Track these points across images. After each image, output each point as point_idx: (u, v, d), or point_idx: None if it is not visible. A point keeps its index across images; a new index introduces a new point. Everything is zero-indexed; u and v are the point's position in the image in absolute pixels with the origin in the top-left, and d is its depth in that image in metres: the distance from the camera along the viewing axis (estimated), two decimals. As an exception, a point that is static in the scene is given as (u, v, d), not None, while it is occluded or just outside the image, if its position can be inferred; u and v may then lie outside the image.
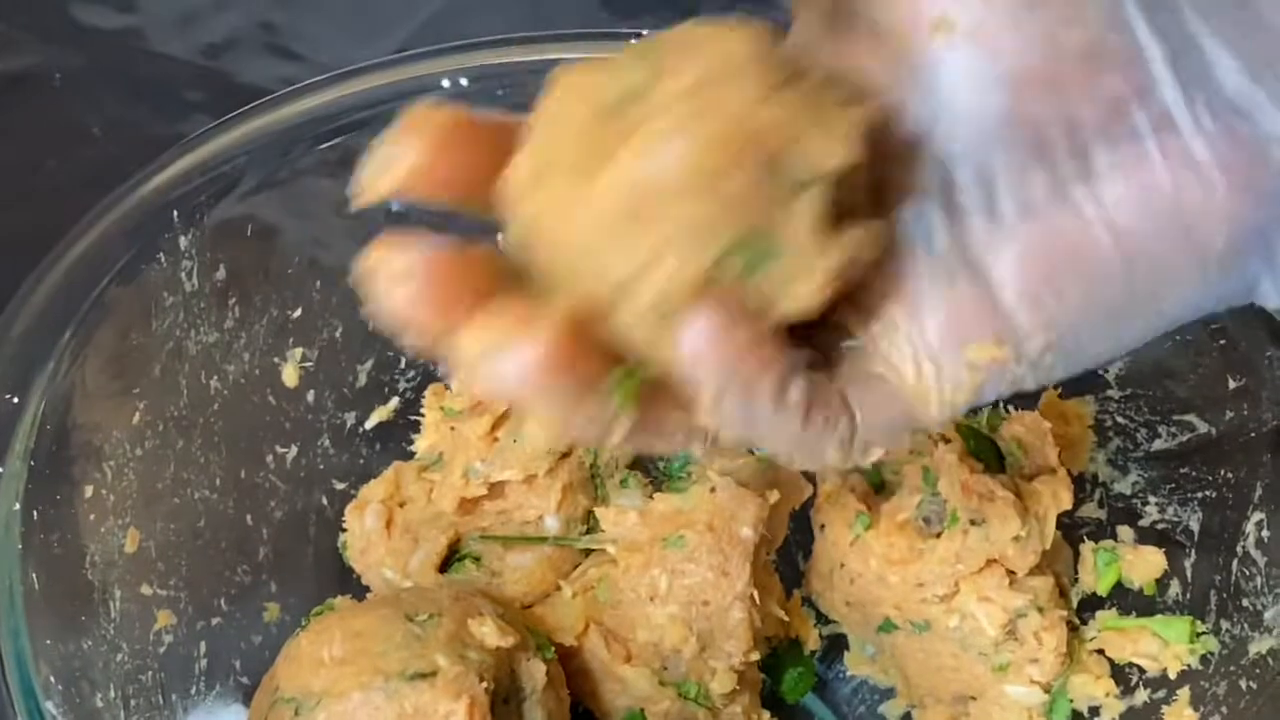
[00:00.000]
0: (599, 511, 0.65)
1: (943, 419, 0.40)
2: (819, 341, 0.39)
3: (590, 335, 0.36)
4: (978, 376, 0.39)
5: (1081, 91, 0.37)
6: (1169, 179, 0.38)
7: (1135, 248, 0.38)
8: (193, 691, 0.62)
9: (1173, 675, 0.63)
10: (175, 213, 0.61)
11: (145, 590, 0.60)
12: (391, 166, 0.38)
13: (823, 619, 0.69)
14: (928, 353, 0.39)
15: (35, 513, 0.55)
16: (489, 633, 0.59)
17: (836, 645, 0.70)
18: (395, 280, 0.36)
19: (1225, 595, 0.62)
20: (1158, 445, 0.65)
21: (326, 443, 0.69)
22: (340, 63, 0.89)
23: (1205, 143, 0.38)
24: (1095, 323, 0.39)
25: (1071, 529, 0.67)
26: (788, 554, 0.69)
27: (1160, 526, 0.65)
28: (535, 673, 0.60)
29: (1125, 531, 0.67)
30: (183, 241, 0.62)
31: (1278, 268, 0.40)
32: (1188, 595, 0.64)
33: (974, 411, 0.66)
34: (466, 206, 0.39)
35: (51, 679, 0.52)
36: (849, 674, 0.70)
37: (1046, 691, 0.64)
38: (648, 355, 0.37)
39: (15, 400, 0.56)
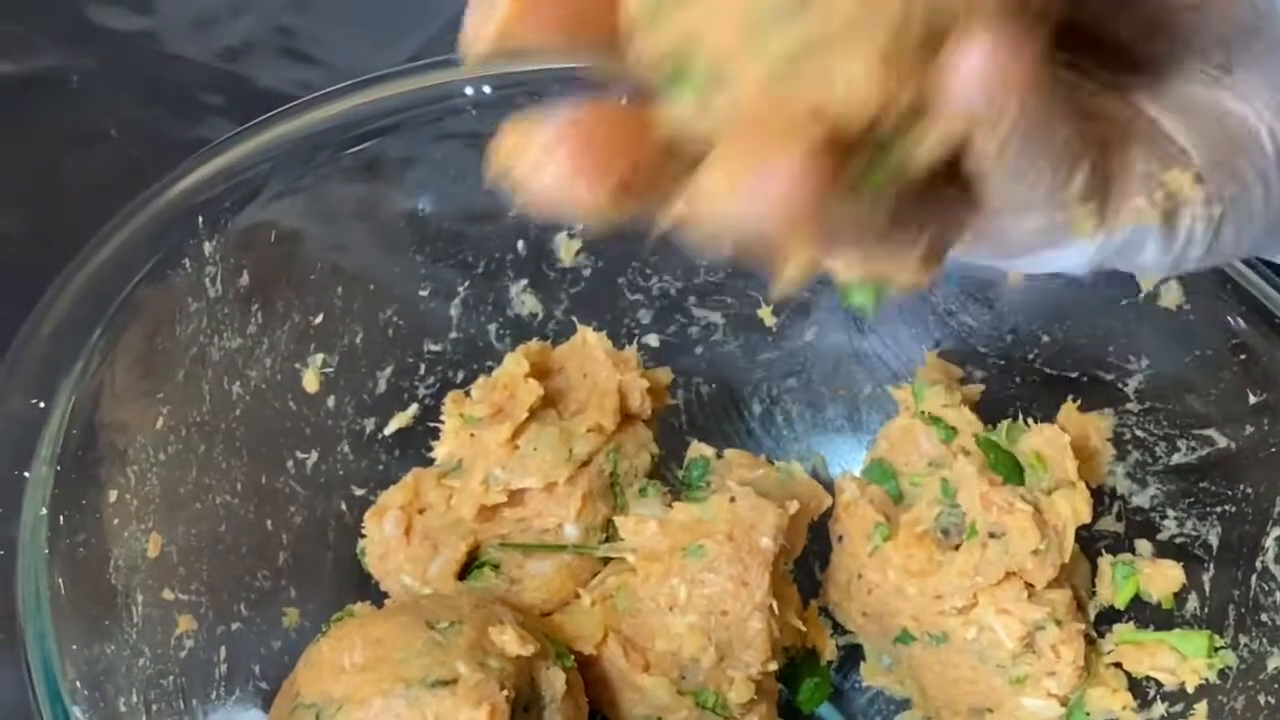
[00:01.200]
0: (618, 520, 0.65)
1: (1127, 220, 0.39)
2: None
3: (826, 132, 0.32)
4: (1168, 201, 0.39)
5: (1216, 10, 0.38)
6: None
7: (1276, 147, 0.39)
8: (213, 696, 0.62)
9: (1190, 689, 0.63)
10: (200, 218, 0.61)
11: (167, 595, 0.60)
12: (494, 12, 0.33)
13: (839, 629, 0.70)
14: (1130, 158, 0.38)
15: (62, 517, 0.55)
16: (509, 641, 0.59)
17: (852, 656, 0.70)
18: (544, 157, 0.32)
19: (1244, 610, 0.62)
20: (1177, 459, 0.66)
21: (346, 449, 0.69)
22: (357, 67, 0.89)
23: None
24: (1241, 210, 0.39)
25: (1089, 542, 0.67)
26: (805, 564, 0.69)
27: (1179, 540, 0.66)
28: (555, 681, 0.60)
29: (1144, 545, 0.67)
30: (207, 247, 0.62)
31: None
32: (1206, 609, 0.64)
33: (993, 424, 0.67)
34: (582, 47, 0.35)
35: (77, 683, 0.52)
36: (865, 684, 0.70)
37: (1063, 704, 0.64)
38: (894, 129, 0.32)
39: (42, 405, 0.56)
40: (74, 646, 0.53)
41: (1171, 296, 0.64)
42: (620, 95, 0.34)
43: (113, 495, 0.58)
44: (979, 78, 0.31)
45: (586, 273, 0.71)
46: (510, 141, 0.33)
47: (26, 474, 0.54)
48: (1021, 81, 0.32)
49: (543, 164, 0.32)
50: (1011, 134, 0.34)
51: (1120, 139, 0.39)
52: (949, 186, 0.35)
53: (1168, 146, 0.39)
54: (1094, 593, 0.67)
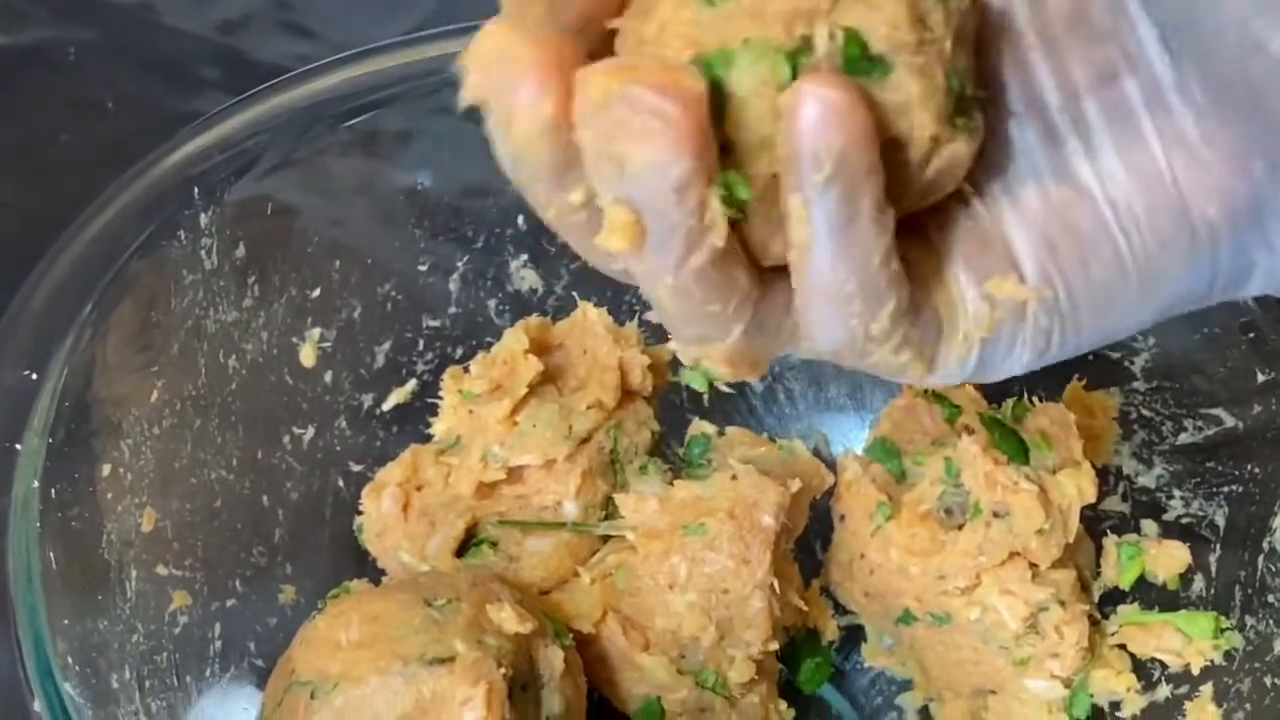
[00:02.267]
0: (618, 498, 0.64)
1: (964, 352, 0.39)
2: None
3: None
4: (997, 314, 0.39)
5: (1073, 53, 0.38)
6: (1161, 154, 0.38)
7: (1130, 221, 0.38)
8: (207, 674, 0.61)
9: (1196, 671, 0.62)
10: (196, 189, 0.61)
11: (161, 570, 0.59)
12: None
13: (840, 609, 0.69)
14: (952, 274, 0.39)
15: (54, 490, 0.54)
16: (507, 619, 0.58)
17: (854, 636, 0.70)
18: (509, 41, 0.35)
19: (1250, 591, 0.62)
20: (1183, 439, 0.65)
21: (343, 424, 0.68)
22: (355, 41, 0.88)
23: (1195, 118, 0.38)
24: (1093, 294, 0.39)
25: (1094, 522, 0.66)
26: (806, 544, 0.69)
27: (1185, 521, 0.65)
28: (553, 660, 0.60)
29: (1149, 525, 0.66)
30: (203, 219, 0.61)
31: (1276, 249, 0.39)
32: (1212, 591, 0.63)
33: (998, 402, 0.66)
34: None
35: (69, 659, 0.52)
36: (866, 665, 0.69)
37: (1067, 686, 0.63)
38: (756, 145, 0.35)
39: (34, 376, 0.55)
40: (65, 622, 0.53)
41: (1179, 274, 0.63)
42: None
43: (106, 469, 0.57)
44: (803, 124, 0.33)
45: (587, 248, 0.70)
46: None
47: (18, 446, 0.54)
48: (846, 139, 0.33)
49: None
50: (825, 193, 0.34)
51: (939, 267, 0.39)
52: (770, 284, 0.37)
53: (992, 254, 0.39)
54: (1098, 573, 0.66)
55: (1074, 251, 0.38)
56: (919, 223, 0.39)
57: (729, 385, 0.74)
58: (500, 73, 0.35)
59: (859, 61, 0.35)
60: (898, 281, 0.37)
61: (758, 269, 0.38)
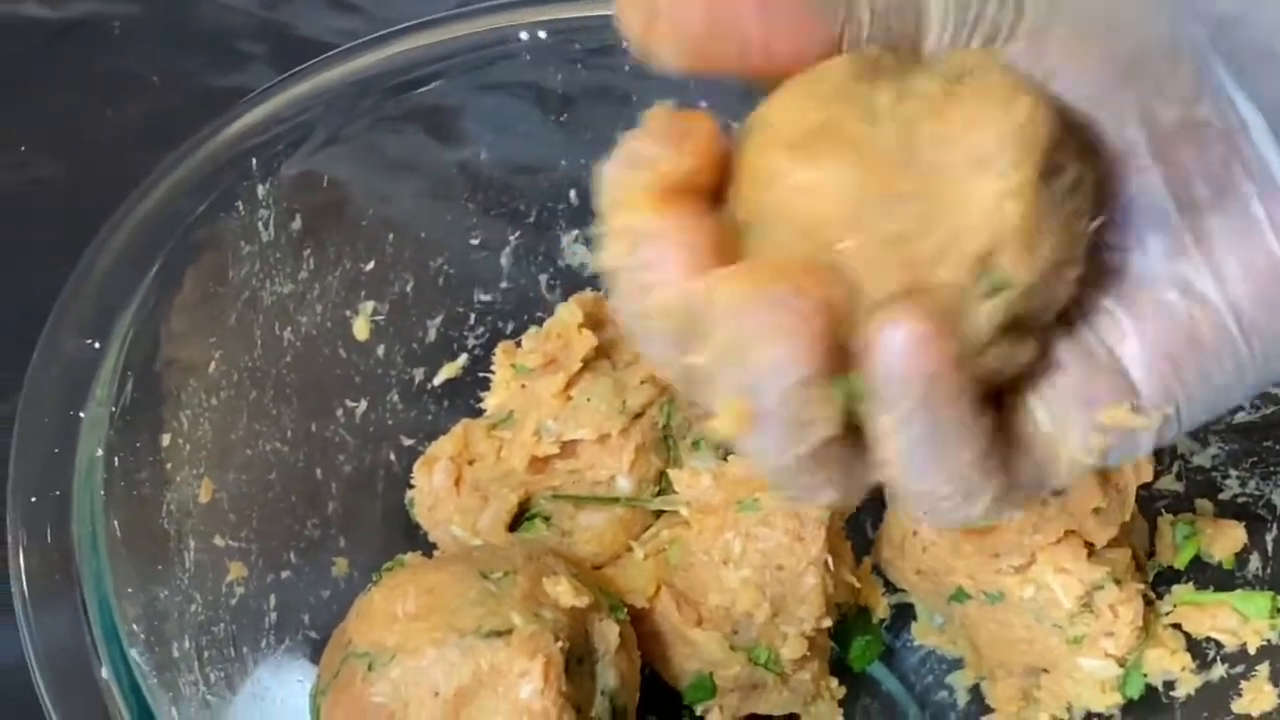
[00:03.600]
0: (672, 473, 0.64)
1: (1068, 479, 0.39)
2: None
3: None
4: (1106, 439, 0.39)
5: (1189, 162, 0.37)
6: (1277, 245, 0.38)
7: (1250, 325, 0.38)
8: (263, 645, 0.61)
9: (1252, 650, 0.62)
10: (254, 160, 0.61)
11: (218, 541, 0.59)
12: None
13: (890, 588, 0.69)
14: (1060, 410, 0.39)
15: (117, 459, 0.54)
16: (564, 592, 0.58)
17: (903, 614, 0.69)
18: None
19: (1307, 571, 0.62)
20: (1240, 418, 0.65)
21: (395, 398, 0.68)
22: (398, 15, 0.88)
23: None
24: (1209, 399, 0.39)
25: (1148, 502, 0.66)
26: (856, 522, 0.68)
27: (1241, 500, 0.65)
28: (609, 634, 0.60)
29: (1204, 505, 0.66)
30: (260, 190, 0.61)
31: None
32: (1268, 570, 0.63)
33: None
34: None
35: (134, 626, 0.52)
36: (916, 643, 0.69)
37: (1121, 665, 0.63)
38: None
39: (97, 345, 0.55)
40: (129, 590, 0.53)
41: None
42: None
43: (166, 439, 0.57)
44: (887, 355, 0.34)
45: (639, 223, 0.70)
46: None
47: (81, 414, 0.54)
48: (927, 372, 0.34)
49: None
50: (909, 422, 0.35)
51: (1045, 405, 0.39)
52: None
53: (1103, 381, 0.38)
54: (1153, 553, 0.66)
55: (1195, 365, 0.38)
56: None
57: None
58: (643, 248, 0.36)
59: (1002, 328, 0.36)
60: (995, 472, 0.37)
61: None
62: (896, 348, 0.34)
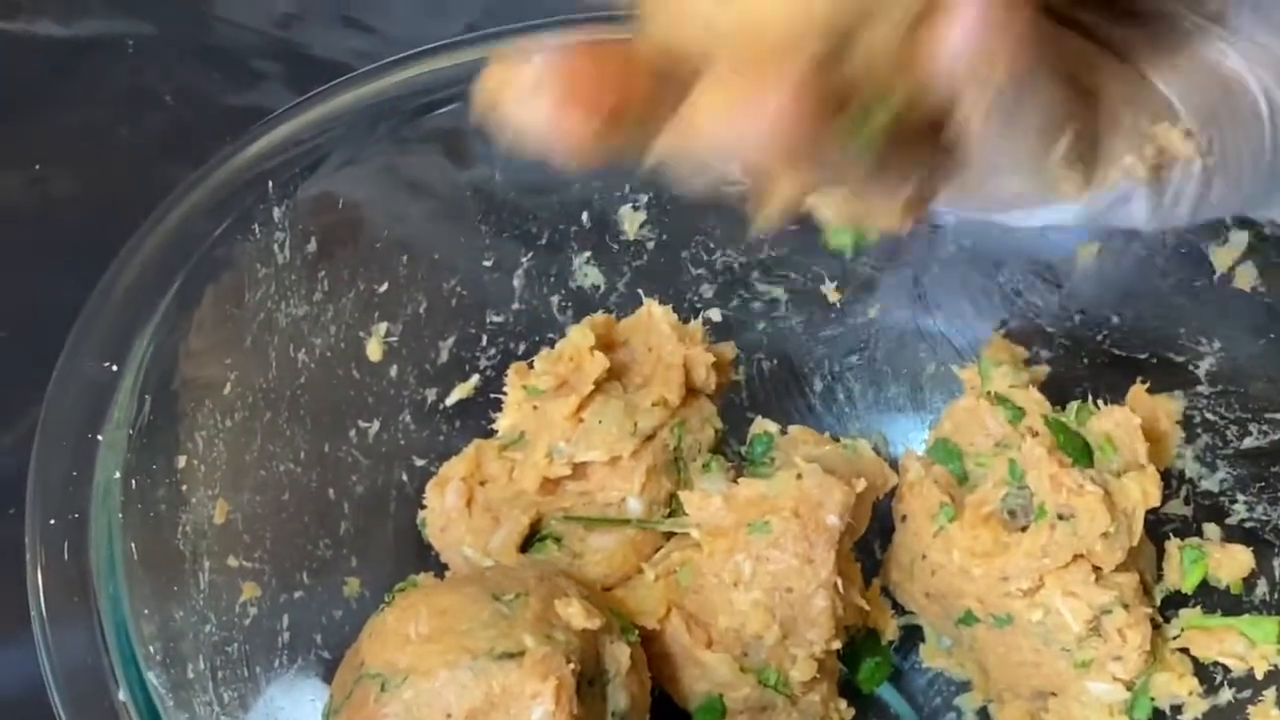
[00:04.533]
0: (682, 495, 0.64)
1: (1115, 180, 0.39)
2: None
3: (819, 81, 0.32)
4: (1152, 155, 0.39)
5: None
6: None
7: (1271, 97, 0.39)
8: (275, 665, 0.61)
9: (1259, 675, 0.62)
10: (270, 184, 0.61)
11: (232, 562, 0.60)
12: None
13: (898, 609, 0.69)
14: (1114, 115, 0.39)
15: (134, 482, 0.54)
16: (575, 614, 0.59)
17: (912, 636, 0.70)
18: (530, 93, 0.33)
19: (1315, 596, 0.62)
20: (1248, 443, 0.65)
21: (408, 418, 0.69)
22: (413, 36, 0.88)
23: None
24: (1242, 154, 0.40)
25: (1156, 525, 0.66)
26: (865, 543, 0.69)
27: (1248, 525, 0.65)
28: (620, 655, 0.60)
29: (1212, 529, 0.66)
30: (276, 213, 0.61)
31: None
32: (1276, 595, 0.63)
33: (1061, 405, 0.66)
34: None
35: (151, 648, 0.52)
36: (925, 666, 0.70)
37: (1129, 689, 0.63)
38: (883, 88, 0.33)
39: (115, 369, 0.55)
40: (146, 612, 0.53)
41: (1246, 278, 0.63)
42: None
43: (182, 461, 0.58)
44: (963, 47, 0.32)
45: (650, 245, 0.70)
46: (497, 76, 0.33)
47: (99, 437, 0.54)
48: (1007, 52, 0.32)
49: (529, 100, 0.33)
50: (995, 103, 0.34)
51: (1109, 95, 0.38)
52: (936, 138, 0.36)
53: (1158, 101, 0.39)
54: (1160, 577, 0.66)
55: (1228, 110, 0.39)
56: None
57: (788, 384, 0.74)
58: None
59: None
60: (1072, 116, 0.37)
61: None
62: (963, 38, 0.32)
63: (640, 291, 0.69)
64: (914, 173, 0.36)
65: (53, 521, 0.52)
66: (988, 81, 0.33)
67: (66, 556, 0.53)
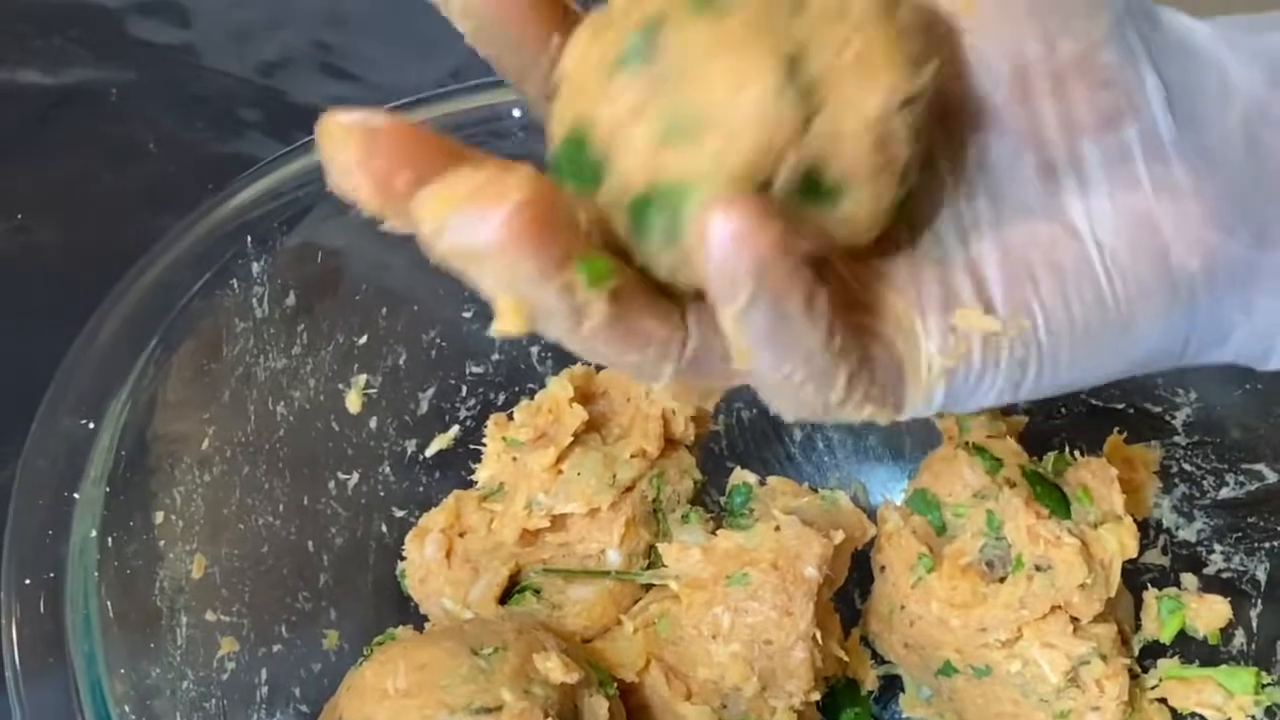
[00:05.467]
0: (661, 547, 0.64)
1: (930, 385, 0.39)
2: None
3: (564, 211, 0.34)
4: (962, 346, 0.39)
5: (1079, 95, 0.38)
6: (1153, 201, 0.38)
7: (1115, 264, 0.39)
8: (254, 719, 0.61)
9: (1236, 726, 0.63)
10: (249, 238, 0.61)
11: (210, 616, 0.60)
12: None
13: (878, 659, 0.69)
14: (918, 310, 0.39)
15: (110, 539, 0.54)
16: (554, 668, 0.59)
17: (891, 686, 0.70)
18: (337, 143, 0.35)
19: (1292, 647, 0.62)
20: (1225, 493, 0.65)
21: (387, 470, 0.69)
22: (393, 83, 0.89)
23: (1189, 173, 0.38)
24: (1073, 333, 0.39)
25: (1134, 575, 0.66)
26: (845, 593, 0.69)
27: (1225, 575, 0.65)
28: (598, 709, 0.60)
29: (1189, 579, 0.66)
30: (255, 267, 0.61)
31: (1254, 317, 0.40)
32: (1253, 646, 0.63)
33: (1039, 455, 0.66)
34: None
35: (125, 707, 0.52)
36: (904, 716, 0.69)
37: (1107, 739, 0.63)
38: (634, 246, 0.35)
39: (91, 425, 0.55)
40: (121, 670, 0.53)
41: (1222, 330, 0.63)
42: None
43: (159, 517, 0.58)
44: (720, 245, 0.33)
45: (629, 296, 0.71)
46: (329, 116, 0.35)
47: (76, 495, 0.54)
48: (759, 260, 0.33)
49: (338, 150, 0.35)
50: (750, 312, 0.34)
51: (890, 310, 0.39)
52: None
53: (958, 287, 0.39)
54: (1138, 627, 0.67)
55: (1056, 287, 0.38)
56: (867, 259, 0.39)
57: (767, 433, 0.74)
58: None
59: (810, 194, 0.35)
60: (845, 352, 0.37)
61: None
62: (720, 240, 0.33)
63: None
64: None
65: (28, 581, 0.52)
66: (740, 287, 0.34)
67: (43, 612, 0.53)
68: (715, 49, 0.34)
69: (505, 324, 0.35)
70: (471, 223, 0.33)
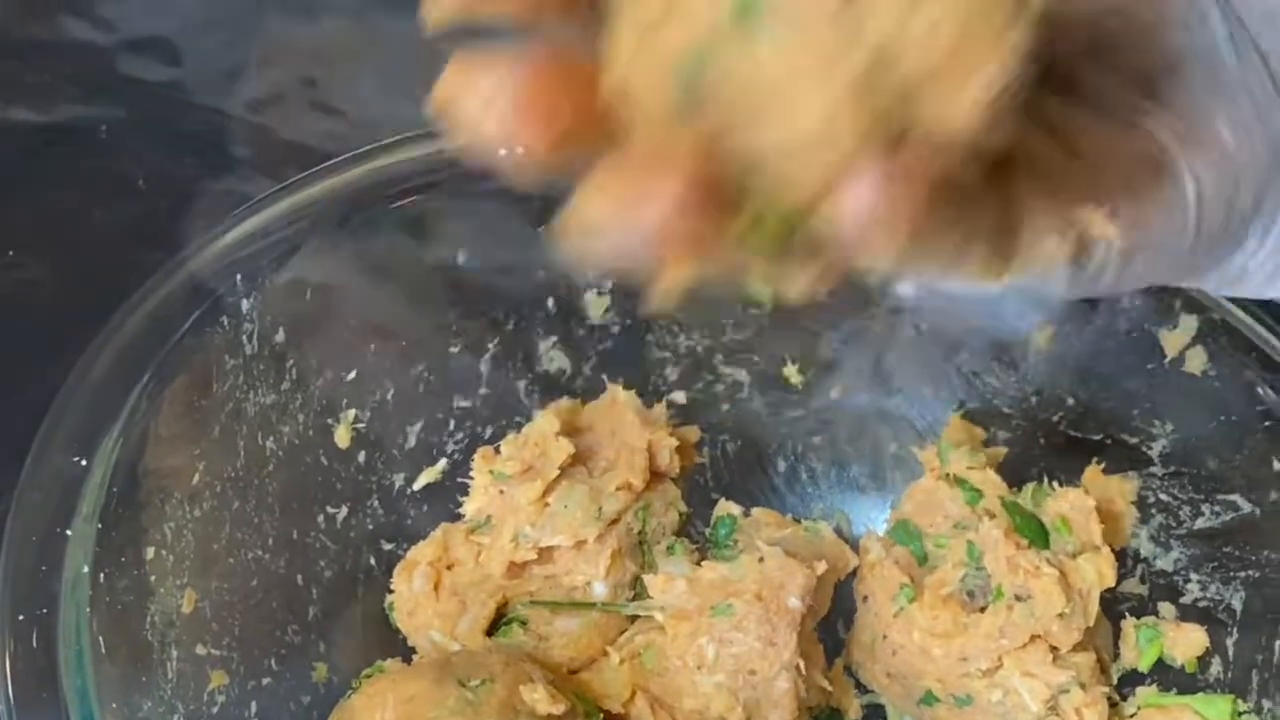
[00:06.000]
0: (647, 579, 0.65)
1: (1035, 266, 0.39)
2: None
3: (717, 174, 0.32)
4: (1080, 241, 0.39)
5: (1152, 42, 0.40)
6: (1229, 135, 0.40)
7: (1204, 198, 0.41)
8: (243, 753, 0.62)
9: (1215, 754, 0.63)
10: (239, 276, 0.62)
11: (200, 650, 0.60)
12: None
13: (862, 689, 0.70)
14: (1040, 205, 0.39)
15: (103, 574, 0.55)
16: (540, 700, 0.59)
17: (875, 715, 0.70)
18: (485, 103, 0.32)
19: (1268, 675, 0.63)
20: (1201, 523, 0.66)
21: (376, 503, 0.69)
22: (383, 119, 0.90)
23: (1253, 112, 0.40)
24: (1167, 239, 0.41)
25: (1112, 604, 0.67)
26: (829, 623, 0.70)
27: (1202, 604, 0.66)
28: (584, 740, 0.61)
29: (1167, 608, 0.67)
30: (244, 305, 0.62)
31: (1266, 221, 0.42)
32: (1229, 674, 0.64)
33: (1018, 486, 0.67)
34: (544, 26, 0.34)
35: (118, 742, 0.53)
36: (888, 744, 0.70)
37: (1087, 767, 0.64)
38: (783, 199, 0.32)
39: (83, 463, 0.56)
40: (113, 704, 0.54)
41: (1197, 362, 0.65)
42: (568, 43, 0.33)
43: (150, 552, 0.58)
44: (859, 221, 0.31)
45: (615, 330, 0.72)
46: (454, 80, 0.32)
47: (69, 531, 0.55)
48: (906, 221, 0.32)
49: (486, 108, 0.32)
50: (899, 255, 0.33)
51: (1033, 176, 0.38)
52: None
53: (1081, 183, 0.39)
54: (1117, 655, 0.67)
55: (1157, 209, 0.40)
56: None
57: (751, 465, 0.75)
58: None
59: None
60: (977, 233, 0.37)
61: None
62: (862, 204, 0.31)
63: (604, 376, 0.71)
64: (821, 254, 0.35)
65: (21, 617, 0.53)
66: (889, 245, 0.32)
67: (36, 646, 0.53)
68: None
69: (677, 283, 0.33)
70: (637, 219, 0.31)
